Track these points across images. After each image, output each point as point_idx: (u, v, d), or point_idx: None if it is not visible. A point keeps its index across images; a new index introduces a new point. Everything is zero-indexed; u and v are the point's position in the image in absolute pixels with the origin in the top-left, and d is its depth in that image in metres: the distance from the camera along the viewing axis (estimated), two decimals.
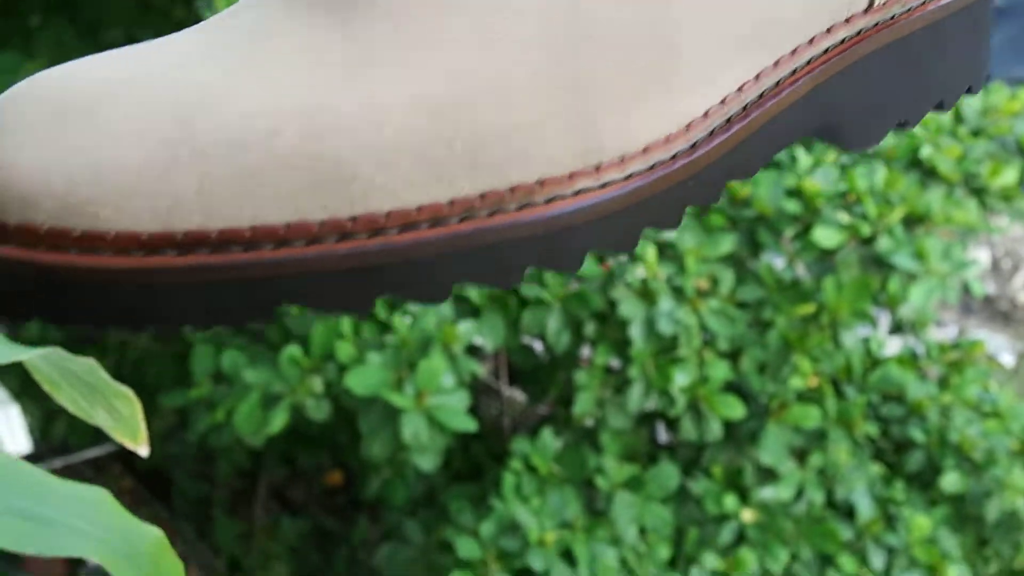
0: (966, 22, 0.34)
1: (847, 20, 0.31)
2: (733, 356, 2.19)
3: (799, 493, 3.02)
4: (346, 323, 2.10)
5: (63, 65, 0.26)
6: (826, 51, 0.31)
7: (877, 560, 3.21)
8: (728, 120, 0.29)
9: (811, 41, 0.30)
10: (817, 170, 2.21)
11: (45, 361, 0.38)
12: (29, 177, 0.24)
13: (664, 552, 2.82)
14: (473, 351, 2.89)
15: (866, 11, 0.32)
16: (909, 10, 0.33)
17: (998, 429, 3.36)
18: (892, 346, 3.58)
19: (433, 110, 0.26)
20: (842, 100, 0.32)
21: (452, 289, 0.26)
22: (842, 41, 0.31)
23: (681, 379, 1.98)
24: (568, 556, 2.72)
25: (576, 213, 0.27)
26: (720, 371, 2.07)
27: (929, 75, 0.34)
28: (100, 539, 0.29)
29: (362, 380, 1.88)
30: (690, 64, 0.28)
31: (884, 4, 0.32)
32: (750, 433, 2.78)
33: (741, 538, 2.94)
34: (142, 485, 5.65)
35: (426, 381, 1.99)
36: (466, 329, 2.13)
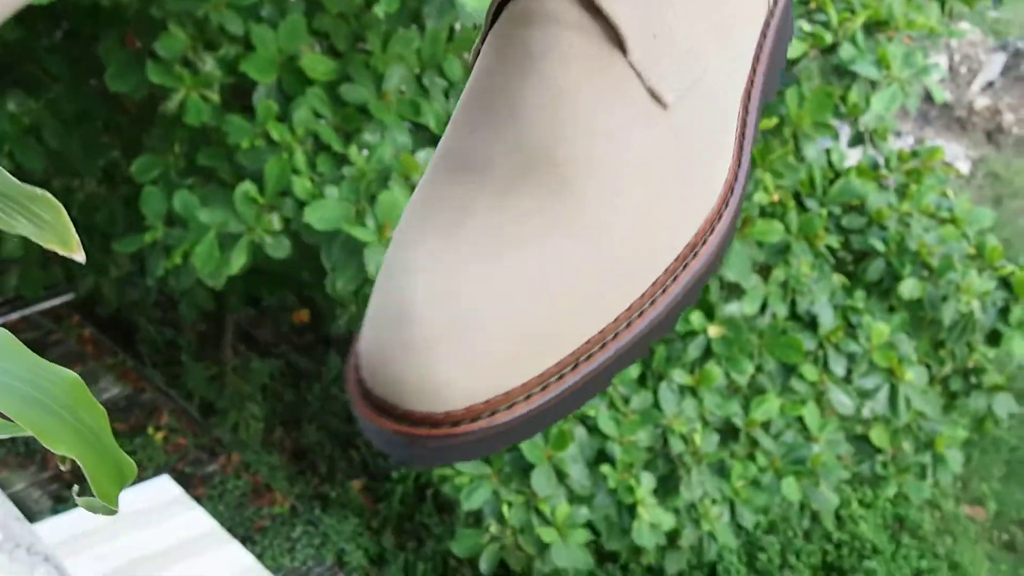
0: None
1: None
2: None
3: (763, 307, 3.06)
4: (300, 157, 2.05)
5: (437, 280, 0.38)
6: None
7: (838, 367, 3.29)
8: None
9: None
10: None
11: None
12: (463, 381, 0.36)
13: (633, 370, 2.86)
14: None
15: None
16: None
17: (954, 235, 3.40)
18: (853, 159, 3.56)
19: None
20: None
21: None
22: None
23: None
24: None
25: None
26: None
27: None
28: (3, 385, 0.26)
29: (321, 215, 1.84)
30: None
31: None
32: None
33: (708, 353, 2.99)
34: (104, 335, 5.63)
35: (387, 213, 1.96)
36: (425, 157, 2.09)
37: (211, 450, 5.76)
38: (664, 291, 0.42)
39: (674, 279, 0.43)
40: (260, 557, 5.25)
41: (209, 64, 2.14)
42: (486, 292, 0.38)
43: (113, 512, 0.30)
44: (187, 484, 5.61)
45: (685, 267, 0.43)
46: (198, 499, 5.64)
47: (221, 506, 5.60)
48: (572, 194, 0.39)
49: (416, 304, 0.37)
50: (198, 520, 4.08)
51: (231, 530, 5.46)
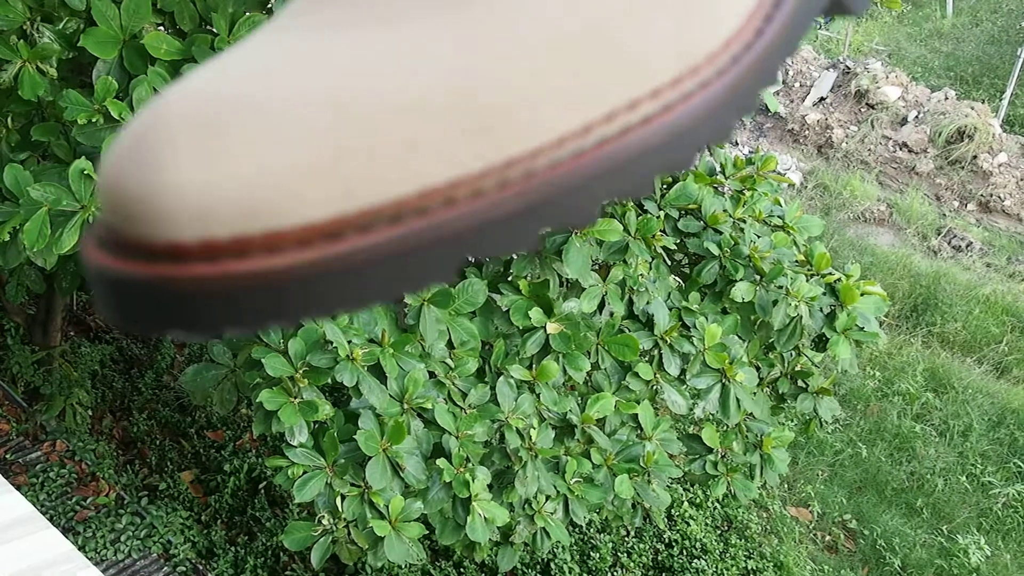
0: None
1: None
2: None
3: (601, 305, 3.12)
4: None
5: (182, 83, 0.26)
6: None
7: (672, 367, 3.38)
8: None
9: None
10: None
11: None
12: (201, 192, 0.24)
13: (472, 364, 2.88)
14: None
15: None
16: None
17: (785, 241, 3.54)
18: None
19: (546, 51, 0.28)
20: None
21: (600, 207, 0.29)
22: None
23: None
24: (378, 370, 2.74)
25: (687, 115, 0.30)
26: None
27: None
28: None
29: None
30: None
31: None
32: (555, 248, 2.84)
33: (546, 349, 3.04)
34: None
35: None
36: None
37: (35, 436, 5.55)
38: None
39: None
40: (82, 549, 5.07)
41: (47, 37, 2.07)
42: (293, 68, 0.26)
43: None
44: (7, 472, 5.38)
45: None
46: (18, 487, 5.41)
47: (43, 495, 5.40)
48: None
49: (167, 96, 0.26)
50: (14, 504, 3.91)
51: (52, 520, 5.27)
